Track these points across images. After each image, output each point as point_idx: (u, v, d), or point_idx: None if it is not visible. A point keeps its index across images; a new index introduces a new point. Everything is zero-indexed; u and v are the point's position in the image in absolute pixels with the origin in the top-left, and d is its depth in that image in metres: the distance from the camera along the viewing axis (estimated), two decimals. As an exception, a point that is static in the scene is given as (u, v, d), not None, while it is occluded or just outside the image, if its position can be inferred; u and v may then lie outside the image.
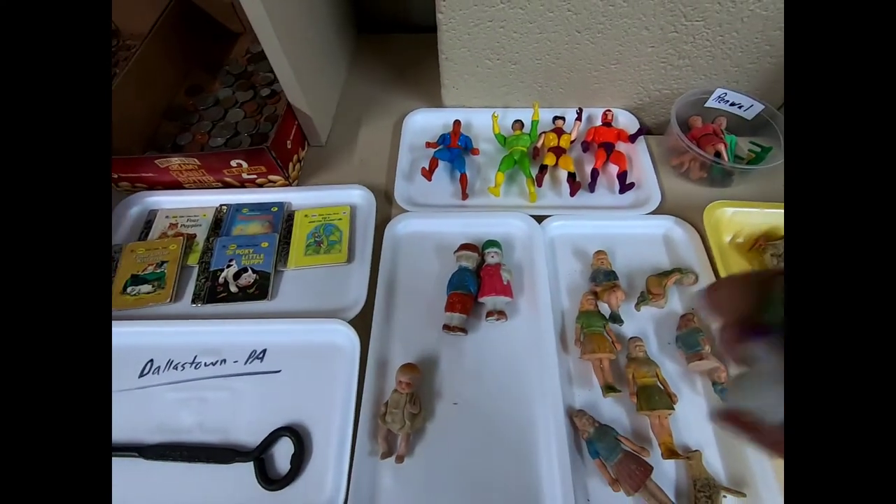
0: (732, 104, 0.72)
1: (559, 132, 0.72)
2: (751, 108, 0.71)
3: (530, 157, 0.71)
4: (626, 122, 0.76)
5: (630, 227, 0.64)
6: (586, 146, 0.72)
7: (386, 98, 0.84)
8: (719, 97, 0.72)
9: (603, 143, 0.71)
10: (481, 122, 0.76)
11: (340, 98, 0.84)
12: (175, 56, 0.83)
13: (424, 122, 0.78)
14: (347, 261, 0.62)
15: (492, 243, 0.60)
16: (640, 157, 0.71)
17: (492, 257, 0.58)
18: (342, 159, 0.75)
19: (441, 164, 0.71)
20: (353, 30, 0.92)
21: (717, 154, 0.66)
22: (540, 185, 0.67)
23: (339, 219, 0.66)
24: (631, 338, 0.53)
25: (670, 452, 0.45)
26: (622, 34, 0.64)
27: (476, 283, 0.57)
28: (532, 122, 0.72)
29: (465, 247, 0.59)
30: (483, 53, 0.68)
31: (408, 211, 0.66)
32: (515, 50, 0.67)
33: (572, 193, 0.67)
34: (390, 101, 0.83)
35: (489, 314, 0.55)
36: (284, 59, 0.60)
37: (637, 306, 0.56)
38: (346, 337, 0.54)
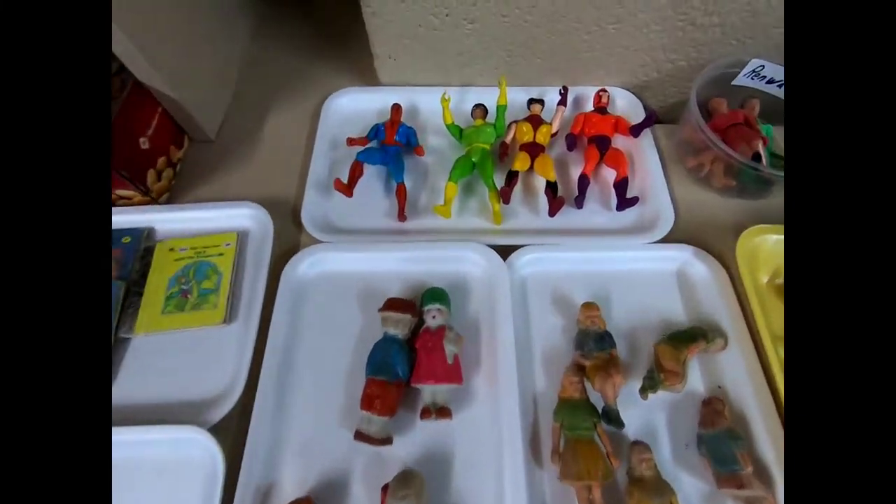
0: (770, 81, 0.53)
1: (536, 121, 0.52)
2: (796, 86, 0.53)
3: (495, 159, 0.51)
4: (627, 105, 0.57)
5: (632, 261, 0.46)
6: (573, 141, 0.52)
7: (304, 74, 0.61)
8: (754, 72, 0.52)
9: (595, 138, 0.52)
10: (431, 106, 0.55)
11: (240, 75, 0.61)
12: None
13: (353, 107, 0.57)
14: (225, 321, 0.42)
15: (434, 296, 0.41)
16: (645, 157, 0.52)
17: (433, 318, 0.40)
18: (239, 162, 0.54)
19: (372, 169, 0.51)
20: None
21: (756, 156, 0.47)
22: (507, 200, 0.48)
23: (220, 254, 0.46)
24: (634, 443, 0.36)
25: None
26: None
27: (408, 362, 0.38)
28: (498, 107, 0.52)
29: (392, 305, 0.40)
30: (426, 6, 0.47)
31: (320, 241, 0.47)
32: (471, 1, 0.46)
33: (552, 212, 0.47)
34: (310, 79, 0.61)
35: (425, 412, 0.37)
36: (127, 17, 0.38)
37: (643, 393, 0.38)
38: (205, 452, 0.36)
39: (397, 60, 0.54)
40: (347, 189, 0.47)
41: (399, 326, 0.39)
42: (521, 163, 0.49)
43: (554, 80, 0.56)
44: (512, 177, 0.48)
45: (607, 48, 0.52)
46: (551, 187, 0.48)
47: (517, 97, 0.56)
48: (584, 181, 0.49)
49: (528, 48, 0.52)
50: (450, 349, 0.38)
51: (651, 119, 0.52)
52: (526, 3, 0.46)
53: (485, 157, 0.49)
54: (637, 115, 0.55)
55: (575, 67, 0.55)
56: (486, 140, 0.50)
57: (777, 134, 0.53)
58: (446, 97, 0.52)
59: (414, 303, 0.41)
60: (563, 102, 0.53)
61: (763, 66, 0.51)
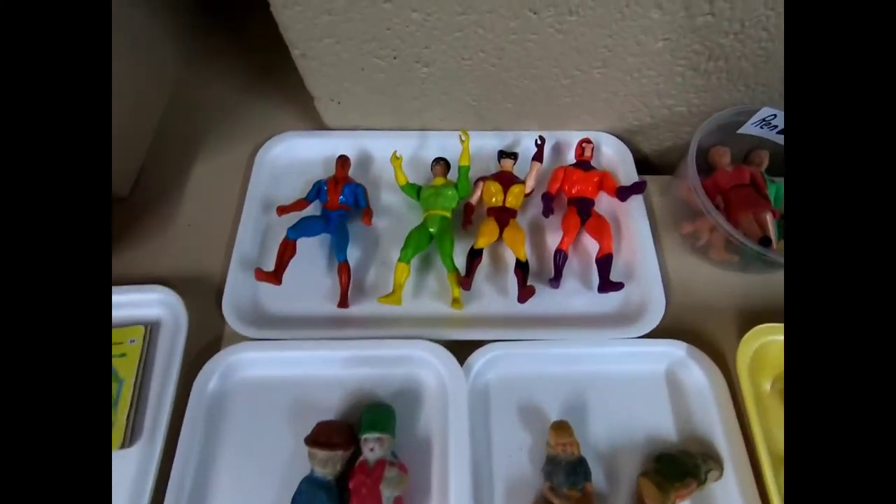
0: (782, 131, 0.45)
1: (507, 180, 0.44)
2: (813, 140, 0.45)
3: (456, 229, 0.43)
4: (614, 154, 0.49)
5: (614, 360, 0.39)
6: (549, 204, 0.44)
7: (237, 115, 0.52)
8: (764, 120, 0.44)
9: (576, 200, 0.44)
10: (386, 154, 0.46)
11: (161, 118, 0.52)
12: None
13: (292, 156, 0.48)
14: (124, 444, 0.35)
15: (373, 421, 0.33)
16: (633, 222, 0.44)
17: (371, 450, 0.32)
18: (153, 229, 0.45)
19: (310, 241, 0.42)
20: (188, 7, 0.58)
21: (764, 241, 0.39)
22: (468, 287, 0.40)
23: (122, 354, 0.38)
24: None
25: None
26: (615, 17, 0.35)
27: (337, 510, 0.32)
28: (459, 167, 0.43)
29: (319, 437, 0.32)
30: (368, 48, 0.38)
31: (245, 338, 0.39)
32: (423, 43, 0.38)
33: (521, 300, 0.40)
34: (244, 121, 0.51)
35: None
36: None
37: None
38: None
39: (342, 104, 0.45)
40: (274, 277, 0.39)
41: (328, 465, 0.32)
42: (486, 237, 0.41)
43: (529, 124, 0.48)
44: (474, 257, 0.40)
45: (591, 93, 0.43)
46: (521, 268, 0.40)
47: (487, 143, 0.48)
48: (560, 257, 0.41)
49: (498, 93, 0.43)
50: (388, 494, 0.31)
51: (640, 188, 0.44)
52: (491, 48, 0.37)
53: (444, 228, 0.41)
54: (626, 164, 0.47)
55: (554, 112, 0.46)
56: (446, 205, 0.42)
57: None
58: (397, 155, 0.43)
59: (349, 430, 0.34)
60: (538, 157, 0.45)
61: (775, 116, 0.43)
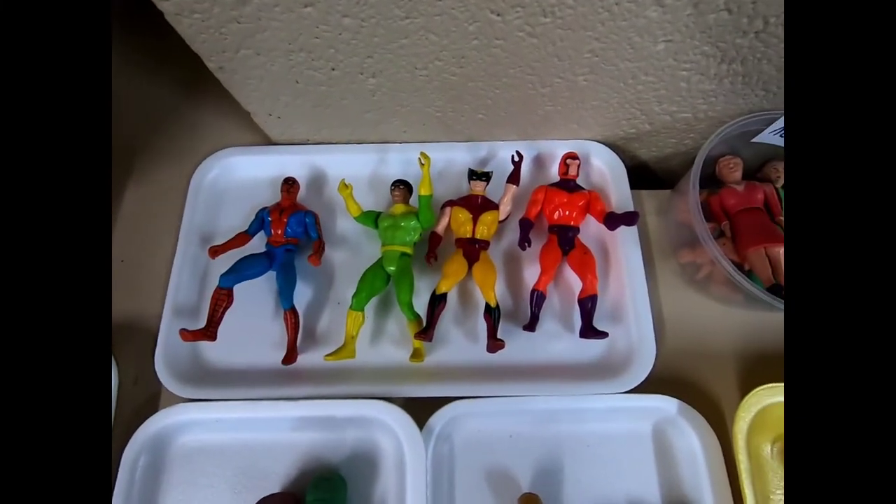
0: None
1: (477, 206, 0.38)
2: (843, 152, 0.38)
3: (413, 272, 0.37)
4: (604, 167, 0.42)
5: (594, 416, 0.34)
6: (527, 233, 0.38)
7: (174, 128, 0.45)
8: (784, 129, 0.37)
9: (557, 228, 0.38)
10: (342, 171, 0.41)
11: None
12: None
13: (236, 176, 0.42)
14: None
15: (322, 500, 0.30)
16: (622, 250, 0.38)
17: (315, 536, 0.29)
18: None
19: (255, 281, 0.37)
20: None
21: (774, 288, 0.33)
22: (429, 338, 0.34)
23: (48, 419, 0.35)
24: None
25: None
26: (602, 17, 0.27)
27: None
28: (419, 197, 0.37)
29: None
30: (299, 59, 0.31)
31: (182, 400, 0.35)
32: (364, 52, 0.30)
33: (490, 349, 0.35)
34: (185, 136, 0.45)
35: None
36: None
37: None
38: None
39: (283, 118, 0.38)
40: (205, 335, 0.34)
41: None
42: (450, 279, 0.35)
43: (507, 133, 0.41)
44: (436, 304, 0.35)
45: (577, 102, 0.36)
46: (491, 314, 0.35)
47: (459, 156, 0.42)
48: (536, 299, 0.36)
49: (465, 103, 0.36)
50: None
51: (632, 219, 0.37)
52: (449, 55, 0.30)
53: (404, 267, 0.36)
54: (618, 180, 0.41)
55: (535, 120, 0.39)
56: (406, 239, 0.37)
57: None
58: (346, 184, 0.37)
59: (293, 498, 0.31)
60: (514, 178, 0.38)
61: (799, 124, 0.36)
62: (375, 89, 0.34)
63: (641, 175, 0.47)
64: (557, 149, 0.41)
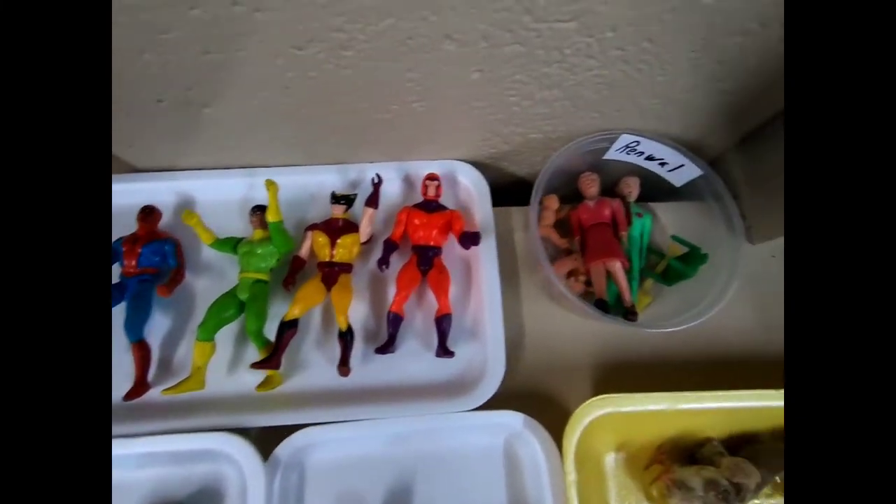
0: (650, 158, 0.40)
1: (336, 229, 0.38)
2: (681, 168, 0.40)
3: (268, 300, 0.36)
4: (469, 184, 0.42)
5: (447, 434, 0.35)
6: (387, 253, 0.38)
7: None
8: (627, 146, 0.39)
9: (419, 248, 0.39)
10: (209, 197, 0.41)
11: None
12: None
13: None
14: None
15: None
16: (482, 269, 0.39)
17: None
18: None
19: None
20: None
21: (599, 303, 0.34)
22: (276, 366, 0.34)
23: None
24: None
25: None
26: (401, 50, 0.27)
27: None
28: (269, 224, 0.37)
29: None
30: (117, 92, 0.30)
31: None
32: (181, 83, 0.30)
33: (341, 373, 0.34)
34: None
35: None
36: None
37: None
38: None
39: (136, 147, 0.38)
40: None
41: None
42: (300, 304, 0.35)
43: (372, 155, 0.42)
44: (284, 331, 0.35)
45: (425, 125, 0.37)
46: (343, 337, 0.35)
47: (327, 179, 0.42)
48: (392, 321, 0.36)
49: (313, 128, 0.37)
50: None
51: (475, 240, 0.37)
52: (274, 84, 0.30)
53: (258, 294, 0.36)
54: (481, 199, 0.41)
55: (398, 140, 0.40)
56: (261, 265, 0.37)
57: (659, 228, 0.42)
58: (191, 213, 0.37)
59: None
60: (372, 201, 0.39)
61: (638, 142, 0.38)
62: (215, 119, 0.34)
63: (521, 190, 0.48)
64: (425, 169, 0.42)
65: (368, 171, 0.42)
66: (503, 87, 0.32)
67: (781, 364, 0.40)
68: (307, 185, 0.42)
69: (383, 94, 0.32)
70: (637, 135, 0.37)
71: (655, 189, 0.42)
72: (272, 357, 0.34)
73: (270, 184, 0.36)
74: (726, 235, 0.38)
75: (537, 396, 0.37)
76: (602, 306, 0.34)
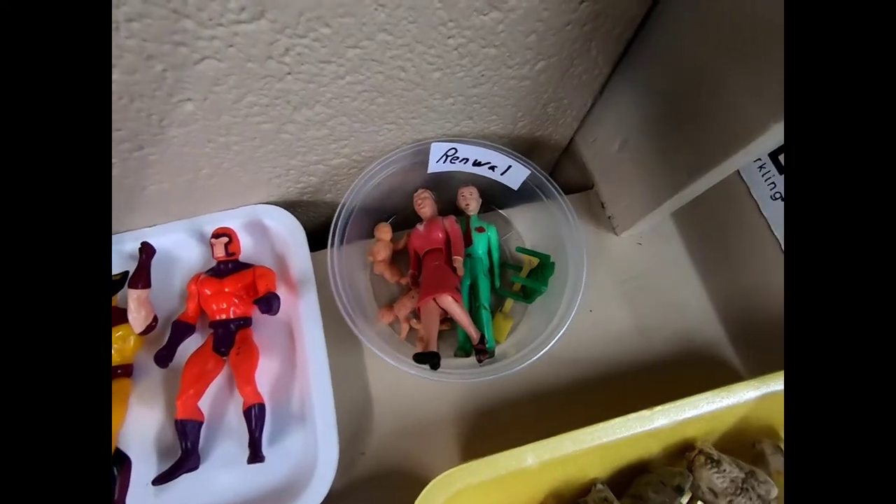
0: (477, 163, 0.34)
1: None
2: (510, 170, 0.34)
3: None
4: (283, 229, 0.35)
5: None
6: (178, 337, 0.30)
7: None
8: (446, 155, 0.33)
9: (217, 324, 0.31)
10: None
11: None
12: None
13: None
14: None
15: None
16: (307, 333, 0.31)
17: None
18: None
19: None
20: None
21: (427, 357, 0.27)
22: None
23: None
24: None
25: None
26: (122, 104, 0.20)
27: None
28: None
29: None
30: None
31: None
32: None
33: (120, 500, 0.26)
34: None
35: None
36: None
37: None
38: None
39: None
40: None
41: None
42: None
43: (150, 218, 0.33)
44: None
45: (204, 173, 0.29)
46: (119, 462, 0.27)
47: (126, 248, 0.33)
48: (183, 431, 0.28)
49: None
50: None
51: (270, 305, 0.30)
52: None
53: None
54: (297, 244, 0.34)
55: (179, 196, 0.31)
56: None
57: (508, 241, 0.37)
58: None
59: None
60: (137, 279, 0.30)
61: (455, 149, 0.32)
62: None
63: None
64: (222, 222, 0.34)
65: (150, 237, 0.34)
66: (243, 116, 0.25)
67: (662, 368, 0.38)
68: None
69: (147, 132, 0.24)
70: (448, 141, 0.32)
71: (505, 195, 0.37)
72: None
73: None
74: (575, 232, 0.34)
75: (394, 475, 0.30)
76: (430, 359, 0.27)
